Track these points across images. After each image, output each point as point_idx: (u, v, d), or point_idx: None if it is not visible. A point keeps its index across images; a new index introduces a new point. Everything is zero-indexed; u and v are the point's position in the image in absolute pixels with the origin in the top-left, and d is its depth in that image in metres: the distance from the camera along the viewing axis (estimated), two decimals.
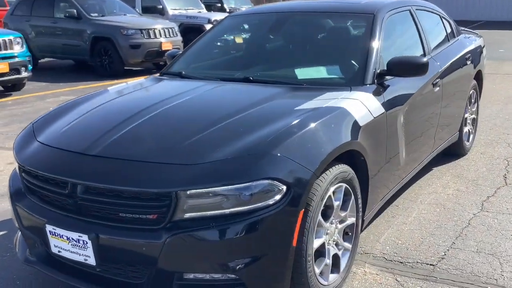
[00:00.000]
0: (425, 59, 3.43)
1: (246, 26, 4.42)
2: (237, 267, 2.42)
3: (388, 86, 3.46)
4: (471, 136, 5.50)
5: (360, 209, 3.12)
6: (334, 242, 2.93)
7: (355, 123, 2.98)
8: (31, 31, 12.74)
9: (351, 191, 2.98)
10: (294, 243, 2.51)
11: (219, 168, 2.44)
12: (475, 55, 5.23)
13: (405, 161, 3.70)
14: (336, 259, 2.96)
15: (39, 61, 13.42)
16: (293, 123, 2.74)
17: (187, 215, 2.38)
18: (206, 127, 2.73)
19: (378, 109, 3.22)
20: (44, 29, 12.62)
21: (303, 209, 2.53)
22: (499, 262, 3.29)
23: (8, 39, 9.28)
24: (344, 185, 2.89)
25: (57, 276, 2.71)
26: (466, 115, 5.22)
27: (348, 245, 3.06)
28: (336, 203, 2.86)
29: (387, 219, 3.93)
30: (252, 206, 2.41)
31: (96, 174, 2.53)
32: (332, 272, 2.94)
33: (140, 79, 3.99)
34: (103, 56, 11.75)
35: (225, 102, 3.24)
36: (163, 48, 11.62)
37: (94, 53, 11.86)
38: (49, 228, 2.61)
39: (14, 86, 9.94)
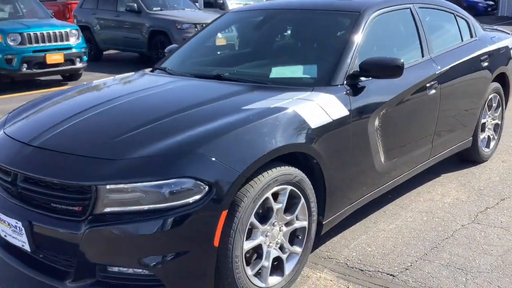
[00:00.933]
0: (401, 61, 3.29)
1: (234, 25, 4.42)
2: (153, 264, 2.45)
3: (363, 87, 3.35)
4: (493, 143, 5.18)
5: (314, 213, 3.05)
6: (278, 245, 2.89)
7: (305, 125, 2.91)
8: (96, 24, 13.36)
9: (299, 194, 2.93)
10: (216, 243, 2.51)
11: (141, 165, 2.48)
12: (497, 56, 4.91)
13: (384, 167, 3.57)
14: (279, 262, 2.92)
15: (104, 53, 14.03)
16: (229, 122, 2.73)
17: (107, 209, 2.44)
18: (145, 123, 2.79)
19: (340, 111, 3.13)
20: (107, 22, 13.19)
21: (227, 210, 2.52)
22: (466, 278, 3.11)
23: (65, 31, 9.79)
24: (289, 187, 2.85)
25: (5, 258, 2.85)
26: (484, 120, 4.93)
27: (297, 249, 3.01)
28: (278, 206, 2.82)
29: (367, 225, 3.81)
30: (171, 203, 2.43)
31: (32, 165, 2.66)
32: (274, 274, 2.91)
33: (130, 73, 4.10)
34: (160, 49, 12.09)
35: (180, 98, 3.27)
36: (217, 44, 11.75)
37: (151, 46, 12.25)
38: None
39: (72, 76, 10.49)
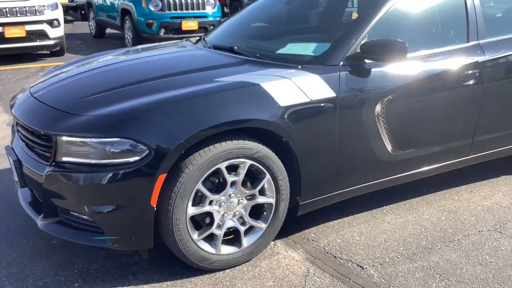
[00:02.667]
0: (403, 44, 3.07)
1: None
2: (95, 212, 2.72)
3: (368, 70, 3.19)
4: None
5: (283, 191, 3.05)
6: (236, 217, 2.97)
7: (271, 102, 2.90)
8: None
9: (264, 170, 2.95)
10: (153, 203, 2.68)
11: (91, 122, 2.73)
12: None
13: (392, 157, 3.38)
14: (238, 233, 2.99)
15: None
16: (190, 91, 2.85)
17: (65, 158, 2.75)
18: (118, 86, 3.03)
19: (323, 92, 3.04)
20: None
21: (165, 174, 2.67)
22: (438, 284, 2.87)
23: (202, 1, 10.40)
24: (249, 162, 2.88)
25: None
26: None
27: (261, 224, 3.05)
28: (233, 178, 2.88)
29: (374, 214, 3.66)
30: (113, 160, 2.66)
31: (24, 112, 3.07)
32: (232, 245, 2.99)
33: (172, 41, 4.37)
34: None
35: (171, 66, 3.44)
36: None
37: None
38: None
39: None
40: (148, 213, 2.70)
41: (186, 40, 4.30)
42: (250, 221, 3.02)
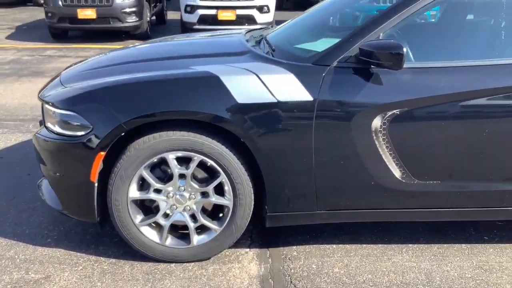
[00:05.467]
0: (401, 48, 2.50)
1: None
2: (48, 174, 2.95)
3: (370, 74, 2.69)
4: None
5: (242, 196, 2.79)
6: (187, 212, 2.83)
7: (229, 97, 2.66)
8: None
9: (219, 169, 2.75)
10: (93, 179, 2.75)
11: (62, 93, 2.92)
12: None
13: (403, 186, 2.79)
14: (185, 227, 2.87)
15: None
16: (153, 75, 2.83)
17: (47, 124, 2.97)
18: (114, 64, 3.16)
19: (295, 94, 2.66)
20: None
21: (104, 153, 2.71)
22: None
23: None
24: (201, 157, 2.72)
25: None
26: None
27: (214, 225, 2.86)
28: (182, 171, 2.76)
29: (385, 249, 3.06)
30: (67, 132, 2.81)
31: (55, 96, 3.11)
32: (181, 239, 2.89)
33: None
34: None
35: (186, 50, 3.48)
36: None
37: None
38: None
39: None
40: (89, 187, 2.77)
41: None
42: (202, 220, 2.84)
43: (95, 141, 2.69)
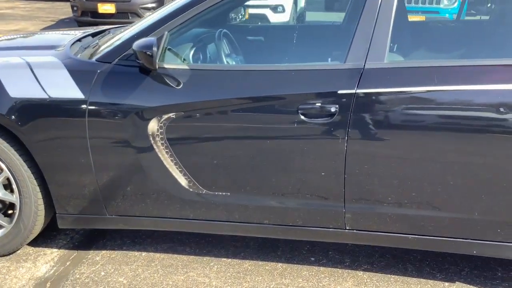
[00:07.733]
0: (150, 47, 2.34)
1: None
2: None
3: (148, 74, 2.51)
4: None
5: (25, 194, 2.70)
6: None
7: (2, 90, 2.58)
8: None
9: (2, 165, 2.68)
10: None
11: None
12: None
13: (193, 195, 2.59)
14: None
15: None
16: None
17: None
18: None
19: (68, 92, 2.53)
20: None
21: None
22: None
23: None
24: None
25: None
26: None
27: (4, 222, 2.80)
28: None
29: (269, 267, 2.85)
30: None
31: None
32: None
33: None
34: None
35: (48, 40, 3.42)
36: None
37: None
38: None
39: None
40: None
41: None
42: None
43: None
